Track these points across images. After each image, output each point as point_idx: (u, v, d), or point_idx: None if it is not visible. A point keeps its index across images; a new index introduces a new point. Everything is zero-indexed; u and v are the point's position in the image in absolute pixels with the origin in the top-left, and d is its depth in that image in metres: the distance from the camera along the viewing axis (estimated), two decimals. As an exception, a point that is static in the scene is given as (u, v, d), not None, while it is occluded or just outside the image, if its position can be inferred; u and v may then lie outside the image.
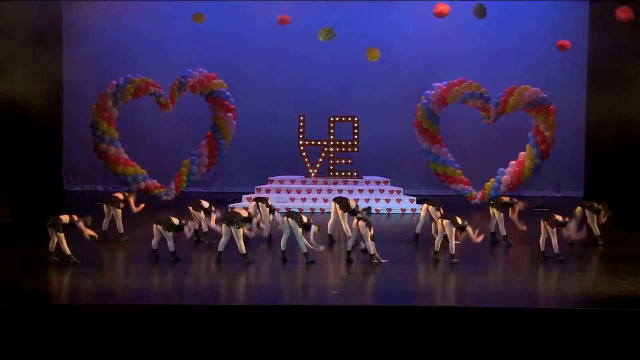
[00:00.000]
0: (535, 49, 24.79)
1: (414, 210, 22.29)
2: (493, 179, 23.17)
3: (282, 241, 15.79)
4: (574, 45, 23.05)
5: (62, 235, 15.26)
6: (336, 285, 14.45)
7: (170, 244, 15.63)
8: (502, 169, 23.18)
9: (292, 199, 22.49)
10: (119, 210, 17.47)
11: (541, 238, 16.28)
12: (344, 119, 23.54)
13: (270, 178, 23.18)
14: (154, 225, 15.69)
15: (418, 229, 17.64)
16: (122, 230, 17.54)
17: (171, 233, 15.59)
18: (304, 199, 22.52)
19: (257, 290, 14.20)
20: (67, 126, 25.45)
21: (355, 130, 23.36)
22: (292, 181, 23.00)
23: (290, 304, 13.12)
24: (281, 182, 22.83)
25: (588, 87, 25.14)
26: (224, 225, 15.57)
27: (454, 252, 15.67)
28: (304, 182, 23.02)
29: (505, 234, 17.62)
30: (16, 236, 18.42)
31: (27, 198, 21.73)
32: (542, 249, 16.25)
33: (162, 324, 12.28)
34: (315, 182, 22.83)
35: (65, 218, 15.44)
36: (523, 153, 23.26)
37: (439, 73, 24.01)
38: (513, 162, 23.24)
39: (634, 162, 22.40)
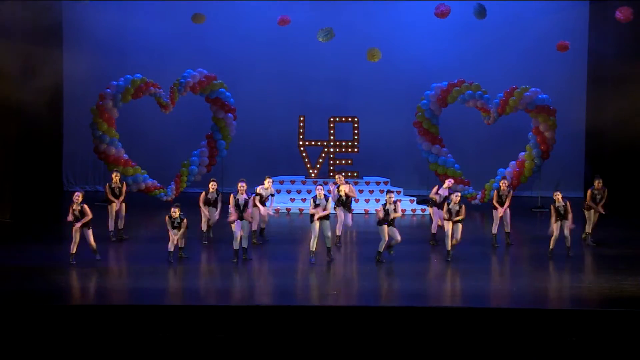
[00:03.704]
0: (535, 50, 24.78)
1: (414, 210, 22.28)
2: (493, 180, 23.15)
3: (312, 242, 15.96)
4: (574, 45, 23.03)
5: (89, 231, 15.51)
6: (337, 286, 14.46)
7: (171, 244, 15.62)
8: (502, 169, 23.18)
9: (292, 199, 22.47)
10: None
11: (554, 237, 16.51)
12: (344, 119, 23.54)
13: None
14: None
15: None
16: (112, 229, 17.57)
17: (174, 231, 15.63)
18: (304, 199, 22.51)
19: (257, 290, 14.19)
20: (67, 126, 25.42)
21: (355, 131, 23.36)
22: (292, 181, 23.00)
23: (290, 305, 13.11)
24: (281, 182, 22.82)
25: (588, 88, 25.12)
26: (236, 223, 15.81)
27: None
28: (304, 183, 23.01)
29: (495, 232, 17.70)
30: (16, 236, 18.41)
31: (27, 198, 21.72)
32: (551, 247, 16.48)
33: (162, 324, 12.29)
34: (315, 183, 22.81)
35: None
36: (523, 153, 23.25)
37: (439, 73, 24.00)
38: (513, 162, 23.24)
39: (634, 162, 22.39)
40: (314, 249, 15.81)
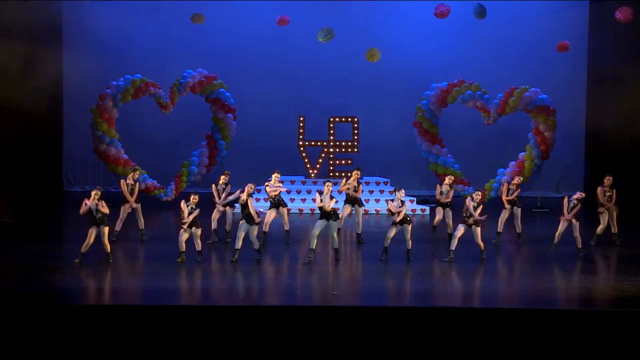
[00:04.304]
0: (536, 50, 24.81)
1: (414, 210, 22.28)
2: (493, 180, 23.16)
3: (313, 241, 15.91)
4: (574, 45, 23.05)
5: (106, 229, 15.46)
6: (337, 286, 14.46)
7: (181, 244, 15.62)
8: (502, 169, 23.18)
9: (292, 200, 22.46)
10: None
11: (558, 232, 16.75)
12: (343, 119, 23.55)
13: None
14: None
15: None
16: (117, 229, 17.56)
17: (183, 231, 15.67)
18: (304, 200, 22.51)
19: (257, 290, 14.19)
20: (67, 126, 25.44)
21: (355, 131, 23.37)
22: (292, 181, 23.00)
23: (291, 305, 13.11)
24: (281, 182, 22.77)
25: (588, 88, 25.14)
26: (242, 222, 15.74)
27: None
28: (304, 183, 23.02)
29: (501, 231, 17.75)
30: (16, 236, 18.41)
31: (27, 198, 21.72)
32: (555, 242, 16.76)
33: (162, 324, 12.28)
34: (315, 183, 22.82)
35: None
36: (523, 153, 23.26)
37: (439, 74, 24.01)
38: (513, 162, 23.24)
39: (634, 163, 22.39)
40: (314, 247, 15.78)
